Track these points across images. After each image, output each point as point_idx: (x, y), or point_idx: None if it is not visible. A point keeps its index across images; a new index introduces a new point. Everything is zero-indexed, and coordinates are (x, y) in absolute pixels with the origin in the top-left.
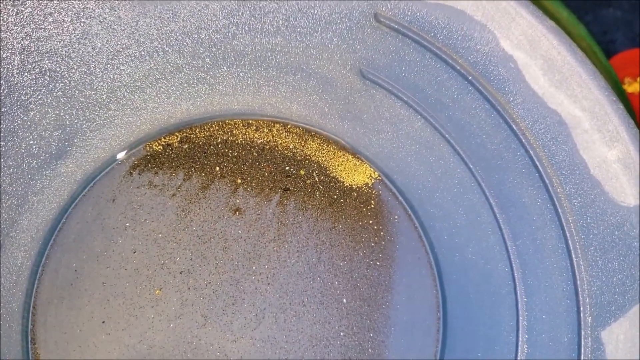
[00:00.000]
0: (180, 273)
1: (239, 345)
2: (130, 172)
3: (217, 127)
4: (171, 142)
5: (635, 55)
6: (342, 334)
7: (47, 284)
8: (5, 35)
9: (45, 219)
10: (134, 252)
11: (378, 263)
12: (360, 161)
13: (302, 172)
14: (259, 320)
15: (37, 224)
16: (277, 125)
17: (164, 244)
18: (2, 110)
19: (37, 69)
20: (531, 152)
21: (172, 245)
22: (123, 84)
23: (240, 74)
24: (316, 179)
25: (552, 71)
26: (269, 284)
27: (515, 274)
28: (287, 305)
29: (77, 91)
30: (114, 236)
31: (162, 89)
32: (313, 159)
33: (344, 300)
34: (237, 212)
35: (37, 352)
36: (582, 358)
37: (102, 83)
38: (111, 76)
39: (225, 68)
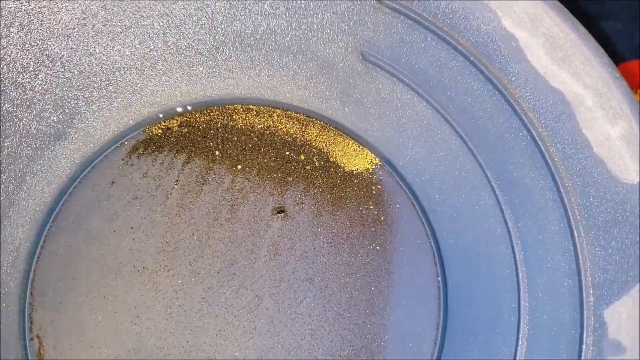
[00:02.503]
0: (178, 255)
1: (238, 328)
2: (130, 155)
3: (217, 112)
4: (171, 125)
5: (635, 67)
6: (342, 318)
7: (45, 265)
8: (4, 14)
9: (44, 200)
10: (133, 234)
11: (378, 248)
12: (360, 147)
13: (302, 157)
14: (258, 303)
15: (36, 205)
16: (278, 111)
17: (162, 227)
18: (1, 89)
19: (37, 49)
20: (533, 132)
21: (171, 229)
22: (123, 65)
23: (240, 57)
24: (316, 164)
25: (554, 49)
26: (269, 268)
27: (517, 256)
28: (286, 289)
29: (76, 72)
30: (112, 219)
31: (161, 72)
32: (313, 144)
33: (345, 286)
34: (237, 198)
35: (35, 332)
36: (584, 337)
37: (101, 64)
38: (111, 57)
39: (224, 51)
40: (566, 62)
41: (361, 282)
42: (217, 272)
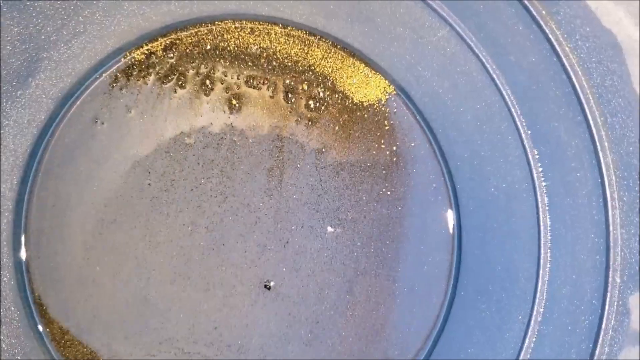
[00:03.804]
0: (175, 200)
1: (246, 272)
2: (112, 87)
3: (205, 31)
4: (154, 49)
5: None
6: (348, 268)
7: (35, 214)
8: None
9: (24, 144)
10: (122, 176)
11: (389, 193)
12: (372, 72)
13: (304, 86)
14: (262, 252)
15: (16, 151)
16: (276, 28)
17: (152, 165)
18: None
19: None
20: (574, 79)
21: (161, 168)
22: None
23: None
24: (321, 95)
25: None
26: (271, 215)
27: (541, 217)
28: (288, 238)
29: None
30: (100, 161)
31: None
32: (317, 69)
33: (353, 235)
34: (232, 137)
35: (33, 282)
36: (604, 321)
37: None
38: None
39: None
40: None
41: (370, 230)
42: (220, 221)
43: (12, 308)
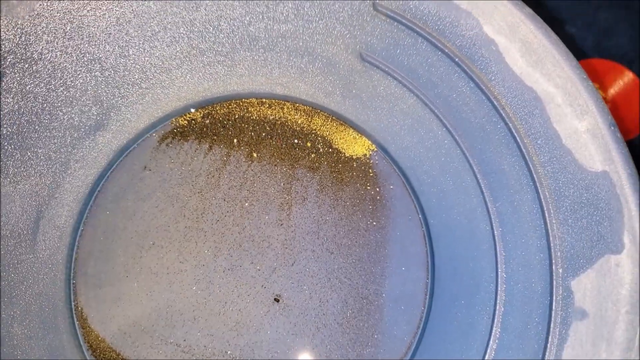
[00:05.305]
0: (203, 229)
1: (259, 287)
2: (160, 143)
3: (235, 105)
4: (195, 117)
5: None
6: (343, 284)
7: (87, 239)
8: (48, 22)
9: (86, 182)
10: (161, 210)
11: (375, 224)
12: (359, 134)
13: (308, 144)
14: (272, 270)
15: (79, 187)
16: (287, 104)
17: (189, 206)
18: (48, 87)
19: (77, 52)
20: (510, 125)
21: (194, 205)
22: (153, 65)
23: (255, 57)
24: (321, 150)
25: (529, 53)
26: (281, 240)
27: (495, 232)
28: (294, 259)
29: (112, 71)
30: (145, 199)
31: (187, 70)
32: (318, 133)
33: (347, 257)
34: (253, 181)
35: (78, 297)
36: (553, 305)
37: (134, 64)
38: (142, 58)
39: (241, 52)
40: (539, 65)
41: (360, 252)
42: (239, 246)
43: (59, 317)
